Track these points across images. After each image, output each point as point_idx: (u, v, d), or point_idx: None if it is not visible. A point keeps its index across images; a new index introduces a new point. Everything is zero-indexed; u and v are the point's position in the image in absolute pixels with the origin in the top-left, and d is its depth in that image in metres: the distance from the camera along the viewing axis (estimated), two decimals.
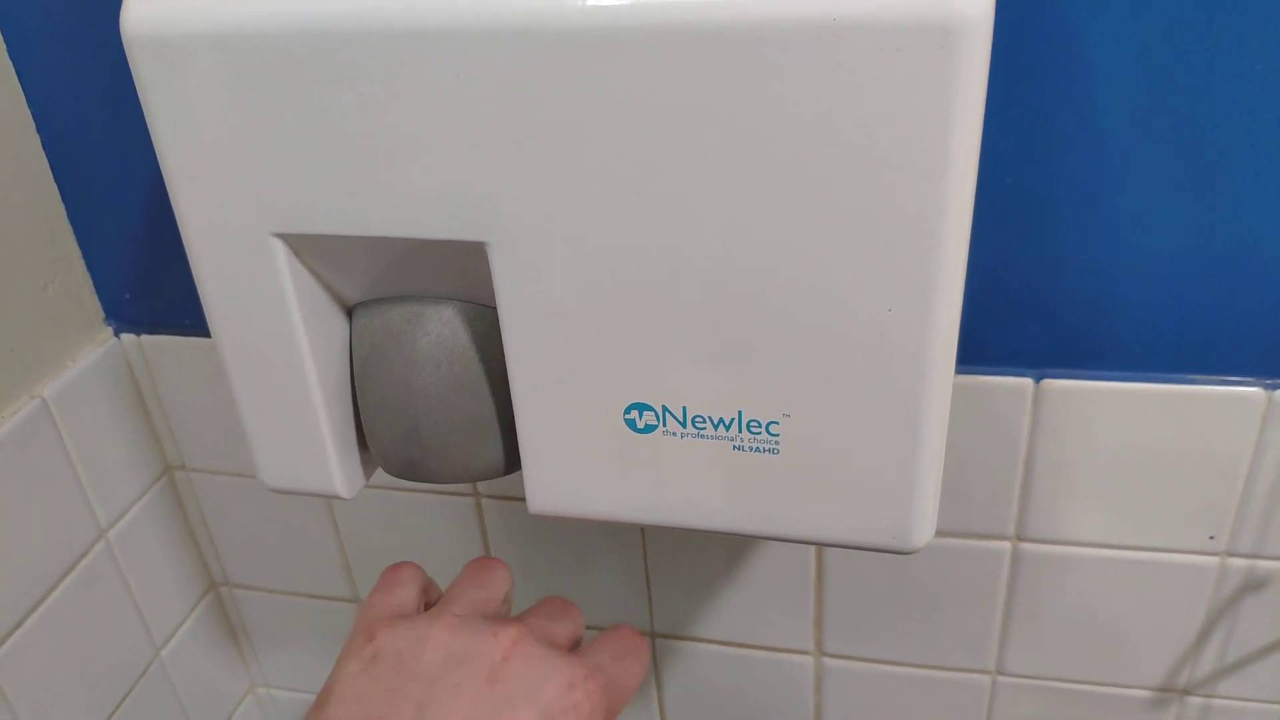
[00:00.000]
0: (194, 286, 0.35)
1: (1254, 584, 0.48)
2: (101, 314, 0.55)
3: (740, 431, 0.32)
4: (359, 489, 0.38)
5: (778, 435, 0.32)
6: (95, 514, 0.54)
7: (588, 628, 0.59)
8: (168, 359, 0.55)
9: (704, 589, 0.56)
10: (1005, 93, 0.39)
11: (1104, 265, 0.42)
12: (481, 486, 0.56)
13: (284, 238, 0.33)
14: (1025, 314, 0.44)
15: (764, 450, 0.32)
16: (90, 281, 0.54)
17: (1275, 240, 0.41)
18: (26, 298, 0.50)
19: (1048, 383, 0.45)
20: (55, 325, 0.52)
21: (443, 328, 0.35)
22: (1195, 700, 0.52)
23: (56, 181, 0.52)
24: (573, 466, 0.34)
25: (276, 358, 0.35)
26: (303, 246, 0.33)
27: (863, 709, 0.57)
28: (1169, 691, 0.52)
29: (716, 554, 0.54)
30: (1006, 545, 0.50)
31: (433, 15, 0.28)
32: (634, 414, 0.33)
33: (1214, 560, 0.48)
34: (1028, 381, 0.45)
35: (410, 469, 0.36)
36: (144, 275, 0.54)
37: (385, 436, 0.36)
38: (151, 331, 0.55)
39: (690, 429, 0.33)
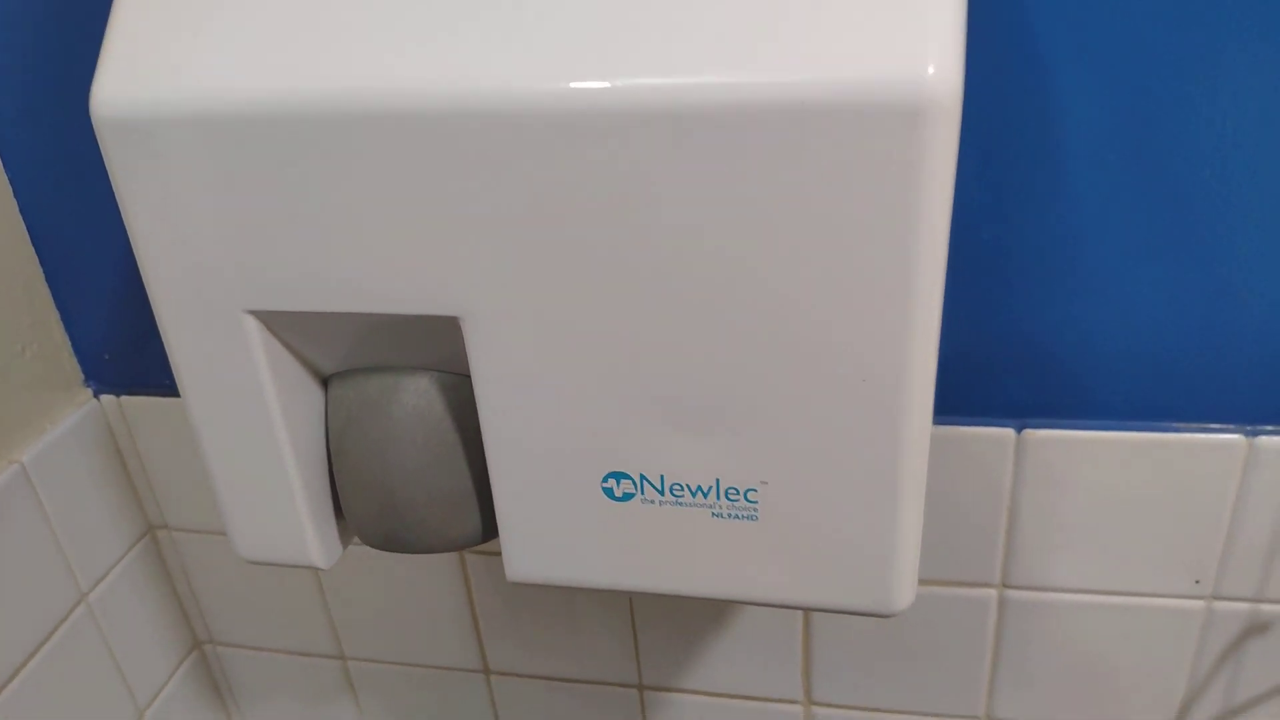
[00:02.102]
0: None
1: (1258, 628, 0.48)
2: (81, 376, 0.55)
3: (719, 499, 0.32)
4: (336, 558, 0.38)
5: (756, 502, 0.32)
6: (76, 577, 0.54)
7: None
8: (148, 419, 0.55)
9: (692, 640, 0.55)
10: (981, 150, 0.40)
11: (1082, 317, 0.43)
12: None
13: (257, 314, 0.33)
14: (1005, 365, 0.44)
15: (743, 517, 0.32)
16: (69, 344, 0.54)
17: (1251, 289, 0.41)
18: (3, 363, 0.50)
19: (1029, 433, 0.45)
20: (33, 389, 0.52)
21: (418, 399, 0.35)
22: None
23: (34, 243, 0.51)
24: (551, 535, 0.34)
25: (250, 431, 0.35)
26: (276, 322, 0.33)
27: None
28: None
29: (704, 606, 0.53)
30: (993, 593, 0.49)
31: (402, 98, 0.28)
32: (611, 482, 0.33)
33: (1200, 604, 0.47)
34: (1009, 432, 0.45)
35: (388, 542, 0.36)
36: (123, 335, 0.53)
37: (362, 511, 0.36)
38: (131, 392, 0.54)
39: (668, 497, 0.33)
